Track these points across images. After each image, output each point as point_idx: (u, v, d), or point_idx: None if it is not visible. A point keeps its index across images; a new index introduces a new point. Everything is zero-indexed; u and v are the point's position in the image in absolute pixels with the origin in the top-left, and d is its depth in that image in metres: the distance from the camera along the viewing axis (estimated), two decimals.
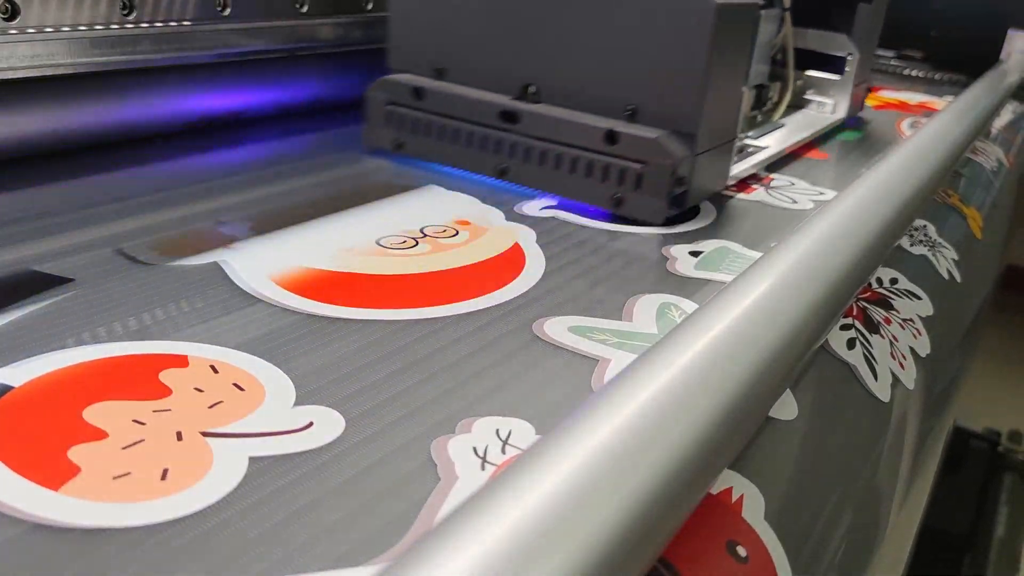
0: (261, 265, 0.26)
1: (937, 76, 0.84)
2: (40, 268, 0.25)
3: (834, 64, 0.52)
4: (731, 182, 0.38)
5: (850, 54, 0.52)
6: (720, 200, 0.38)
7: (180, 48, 0.35)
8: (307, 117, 0.45)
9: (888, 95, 0.71)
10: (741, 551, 0.17)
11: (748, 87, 0.43)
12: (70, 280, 0.24)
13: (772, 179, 0.42)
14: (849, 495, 0.23)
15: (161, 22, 0.35)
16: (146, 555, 0.15)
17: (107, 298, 0.24)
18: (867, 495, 0.25)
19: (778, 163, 0.45)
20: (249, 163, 0.37)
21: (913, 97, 0.71)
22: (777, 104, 0.50)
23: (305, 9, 0.41)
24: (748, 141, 0.44)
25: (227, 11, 0.37)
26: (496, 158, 0.35)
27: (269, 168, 0.37)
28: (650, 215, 0.33)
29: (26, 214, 0.29)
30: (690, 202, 0.34)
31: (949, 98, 0.69)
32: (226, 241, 0.28)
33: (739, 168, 0.39)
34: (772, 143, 0.45)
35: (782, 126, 0.49)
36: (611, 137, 0.33)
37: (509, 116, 0.35)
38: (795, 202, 0.39)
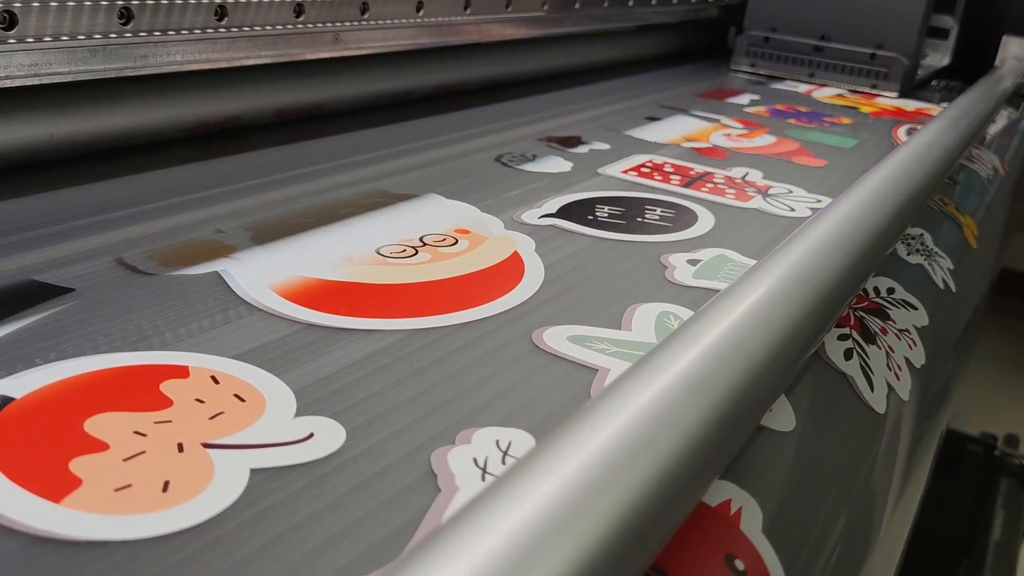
0: (262, 275, 0.27)
1: (932, 82, 0.84)
2: (40, 278, 0.25)
3: (940, 33, 0.87)
4: (914, 84, 0.77)
5: (952, 28, 0.87)
6: (718, 207, 0.38)
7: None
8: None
9: (884, 102, 0.71)
10: (739, 564, 0.17)
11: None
12: (71, 290, 0.24)
13: (770, 186, 0.42)
14: (842, 504, 0.23)
15: None
16: (147, 568, 0.15)
17: (107, 308, 0.24)
18: (860, 503, 0.25)
19: (777, 169, 0.45)
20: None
21: (909, 103, 0.71)
22: None
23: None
24: None
25: None
26: (809, 69, 0.78)
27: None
28: (890, 90, 0.74)
29: (26, 223, 0.29)
30: (909, 87, 0.75)
31: (945, 104, 0.69)
32: (227, 250, 0.28)
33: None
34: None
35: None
36: (872, 56, 0.75)
37: (819, 49, 0.77)
38: (793, 210, 0.39)
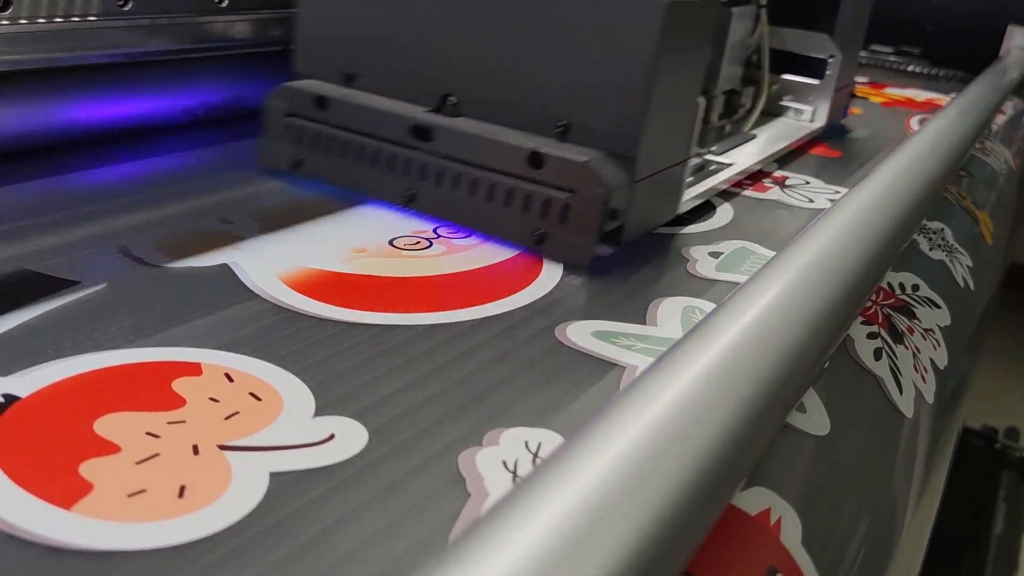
0: (272, 267, 0.26)
1: (939, 73, 0.83)
2: (42, 269, 0.24)
3: (814, 67, 0.47)
4: (684, 208, 0.32)
5: (831, 56, 0.46)
6: (735, 199, 0.37)
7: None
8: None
9: (895, 92, 0.71)
10: None
11: (716, 93, 0.40)
12: (76, 282, 0.23)
13: (787, 177, 0.41)
14: (867, 511, 0.23)
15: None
16: None
17: (113, 301, 0.23)
18: (885, 506, 0.24)
19: (788, 159, 0.44)
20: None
21: (920, 94, 0.70)
22: (750, 112, 0.44)
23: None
24: (711, 157, 0.38)
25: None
26: (404, 181, 0.30)
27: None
28: (576, 255, 0.27)
29: (28, 212, 0.28)
30: (627, 237, 0.28)
31: (954, 95, 0.69)
32: (234, 240, 0.27)
33: (695, 191, 0.33)
34: (740, 159, 0.39)
35: (753, 137, 0.43)
36: (535, 159, 0.27)
37: (421, 132, 0.29)
38: (812, 201, 0.38)
